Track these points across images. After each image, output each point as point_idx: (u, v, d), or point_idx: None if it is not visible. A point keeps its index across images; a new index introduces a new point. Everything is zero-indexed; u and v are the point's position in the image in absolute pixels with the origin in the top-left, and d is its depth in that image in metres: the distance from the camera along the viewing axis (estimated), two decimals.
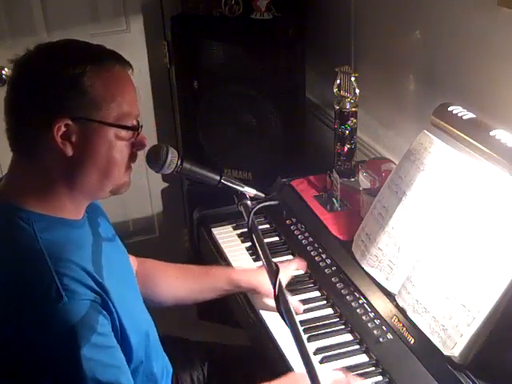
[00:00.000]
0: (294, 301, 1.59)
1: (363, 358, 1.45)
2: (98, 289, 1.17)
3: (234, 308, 1.77)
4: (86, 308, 1.13)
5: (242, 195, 1.37)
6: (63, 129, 1.16)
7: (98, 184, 1.24)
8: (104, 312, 1.18)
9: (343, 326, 1.54)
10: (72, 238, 1.22)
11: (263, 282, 1.60)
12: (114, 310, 1.21)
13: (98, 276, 1.19)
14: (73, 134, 1.17)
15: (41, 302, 1.10)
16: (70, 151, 1.18)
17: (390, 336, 1.45)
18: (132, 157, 1.27)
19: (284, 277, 1.65)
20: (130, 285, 1.41)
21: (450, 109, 1.55)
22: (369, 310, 1.54)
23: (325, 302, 1.63)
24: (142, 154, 1.31)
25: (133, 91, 1.25)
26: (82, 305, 1.13)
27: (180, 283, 1.65)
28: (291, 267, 1.71)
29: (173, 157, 1.31)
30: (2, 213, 1.20)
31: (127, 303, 1.28)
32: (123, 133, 1.23)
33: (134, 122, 1.25)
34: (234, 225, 1.99)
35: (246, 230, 1.30)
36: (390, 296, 1.53)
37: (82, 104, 1.17)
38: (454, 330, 1.33)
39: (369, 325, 1.50)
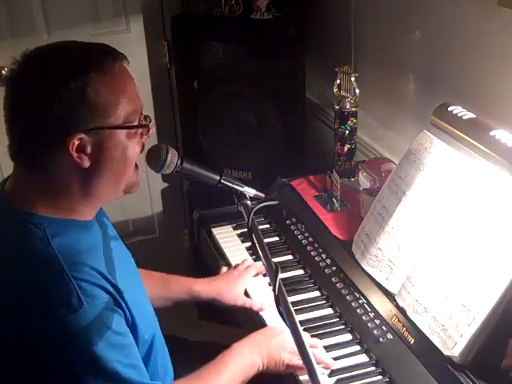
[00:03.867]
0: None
1: (363, 357, 1.45)
2: (112, 290, 1.18)
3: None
4: (103, 310, 1.14)
5: (242, 195, 1.37)
6: (77, 143, 1.14)
7: (113, 187, 1.25)
8: (119, 310, 1.19)
9: (343, 326, 1.54)
10: (84, 240, 1.21)
11: (223, 291, 1.64)
12: (126, 309, 1.22)
13: (111, 277, 1.19)
14: (87, 145, 1.16)
15: (63, 310, 1.10)
16: (86, 163, 1.17)
17: (390, 336, 1.45)
18: (142, 149, 1.27)
19: (243, 284, 1.68)
20: (138, 283, 1.42)
21: (450, 109, 1.55)
22: (369, 309, 1.54)
23: (325, 301, 1.63)
24: (142, 154, 1.31)
25: (133, 85, 1.23)
26: (100, 307, 1.14)
27: None
28: (251, 273, 1.73)
29: (173, 157, 1.31)
30: (12, 219, 1.19)
31: (139, 302, 1.29)
32: (133, 131, 1.22)
33: (140, 116, 1.24)
34: (234, 225, 1.99)
35: (246, 229, 1.30)
36: (390, 296, 1.53)
37: (91, 115, 1.15)
38: (453, 330, 1.33)
39: (369, 325, 1.50)
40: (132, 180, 1.28)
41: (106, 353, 1.12)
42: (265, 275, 1.72)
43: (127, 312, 1.22)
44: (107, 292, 1.17)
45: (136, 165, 1.28)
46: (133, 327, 1.25)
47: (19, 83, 1.16)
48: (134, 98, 1.22)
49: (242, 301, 1.65)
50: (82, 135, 1.14)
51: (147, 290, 1.57)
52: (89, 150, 1.16)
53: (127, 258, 1.43)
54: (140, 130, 1.24)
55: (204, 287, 1.67)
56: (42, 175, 1.19)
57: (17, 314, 1.12)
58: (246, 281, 1.70)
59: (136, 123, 1.22)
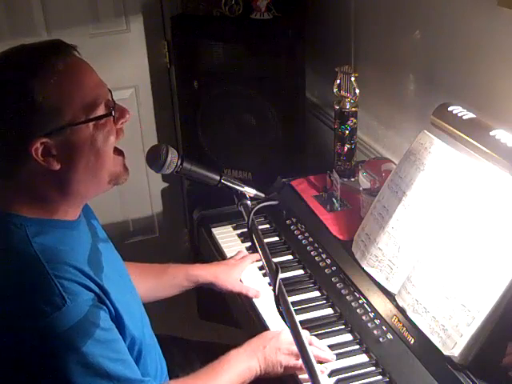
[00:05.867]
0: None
1: (363, 357, 1.45)
2: (96, 288, 1.18)
3: (234, 308, 1.77)
4: (87, 306, 1.14)
5: (242, 195, 1.37)
6: (40, 148, 1.13)
7: (93, 181, 1.23)
8: (104, 307, 1.19)
9: (343, 326, 1.54)
10: (67, 240, 1.21)
11: (221, 276, 1.68)
12: (112, 308, 1.22)
13: (96, 277, 1.19)
14: (51, 148, 1.14)
15: (46, 309, 1.10)
16: (56, 165, 1.16)
17: (390, 336, 1.45)
18: (118, 134, 1.24)
19: (239, 272, 1.73)
20: (127, 285, 1.42)
21: (449, 109, 1.55)
22: (369, 309, 1.54)
23: (325, 301, 1.63)
24: (141, 154, 1.31)
25: (88, 74, 1.18)
26: (83, 304, 1.14)
27: (138, 282, 1.61)
28: (247, 262, 1.77)
29: (173, 157, 1.30)
30: None
31: (126, 302, 1.29)
32: (101, 121, 1.18)
33: (106, 101, 1.20)
34: (234, 225, 1.99)
35: (246, 229, 1.30)
36: (390, 296, 1.53)
37: (45, 119, 1.12)
38: (453, 330, 1.33)
39: (369, 325, 1.50)
40: (116, 169, 1.25)
41: (93, 349, 1.12)
42: (264, 275, 1.73)
43: (112, 310, 1.22)
44: (90, 290, 1.17)
45: (120, 152, 1.26)
46: (120, 324, 1.24)
47: None
48: (92, 88, 1.18)
49: (238, 287, 1.69)
50: (44, 139, 1.13)
51: (146, 281, 1.61)
52: (54, 152, 1.15)
53: (116, 260, 1.42)
54: (109, 118, 1.20)
55: (201, 271, 1.70)
56: (18, 183, 1.19)
57: (1, 313, 1.12)
58: (242, 268, 1.74)
59: (101, 112, 1.19)
